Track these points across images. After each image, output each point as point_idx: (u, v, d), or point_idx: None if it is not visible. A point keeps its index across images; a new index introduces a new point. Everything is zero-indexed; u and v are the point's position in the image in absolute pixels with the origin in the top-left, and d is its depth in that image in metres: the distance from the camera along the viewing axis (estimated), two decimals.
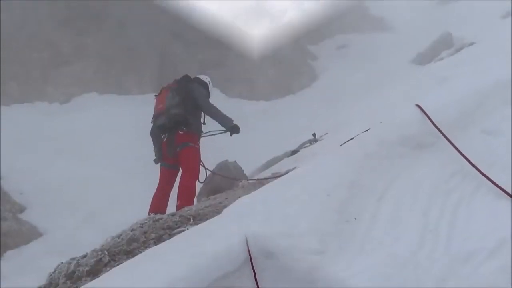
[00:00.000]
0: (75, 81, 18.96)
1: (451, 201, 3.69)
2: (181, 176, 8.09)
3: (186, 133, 8.11)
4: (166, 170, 8.31)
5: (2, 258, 10.57)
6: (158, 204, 7.96)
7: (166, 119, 8.10)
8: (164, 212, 7.56)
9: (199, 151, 8.27)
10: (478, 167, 3.94)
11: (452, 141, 4.33)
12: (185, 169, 8.10)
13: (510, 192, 3.47)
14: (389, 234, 3.47)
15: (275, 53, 23.35)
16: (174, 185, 8.29)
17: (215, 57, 22.02)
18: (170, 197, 8.22)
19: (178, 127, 8.09)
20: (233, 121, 8.31)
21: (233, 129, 8.29)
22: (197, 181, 8.15)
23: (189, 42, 21.68)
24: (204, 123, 8.57)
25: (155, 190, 8.22)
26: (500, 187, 3.56)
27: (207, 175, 8.63)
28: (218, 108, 8.36)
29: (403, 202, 3.84)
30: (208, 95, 8.76)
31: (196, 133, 8.29)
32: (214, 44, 21.93)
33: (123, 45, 20.25)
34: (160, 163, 8.36)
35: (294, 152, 10.50)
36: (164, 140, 8.24)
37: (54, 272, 5.08)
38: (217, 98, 19.67)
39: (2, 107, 16.57)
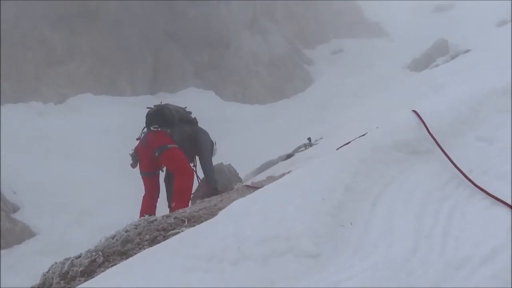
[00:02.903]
0: (69, 81, 18.95)
1: (445, 208, 3.71)
2: (174, 179, 8.01)
3: (162, 134, 8.02)
4: (146, 178, 8.24)
5: None
6: (147, 208, 7.93)
7: (160, 109, 8.07)
8: (153, 214, 7.56)
9: (180, 149, 8.07)
10: (473, 173, 3.96)
11: (448, 147, 4.36)
12: (177, 171, 8.01)
13: (503, 199, 3.49)
14: (384, 239, 3.49)
15: (270, 56, 23.42)
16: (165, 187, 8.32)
17: (210, 59, 22.06)
18: (161, 200, 8.21)
19: (158, 123, 8.00)
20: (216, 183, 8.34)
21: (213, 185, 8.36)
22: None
23: (184, 43, 21.70)
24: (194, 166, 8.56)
25: (143, 195, 8.21)
26: (495, 197, 3.57)
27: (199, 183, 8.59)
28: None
29: (397, 207, 3.85)
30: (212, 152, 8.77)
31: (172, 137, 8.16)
32: (209, 45, 21.96)
33: (117, 45, 20.25)
34: (140, 172, 8.28)
35: (289, 156, 10.51)
36: (140, 137, 8.19)
37: (48, 272, 5.07)
38: (212, 101, 19.83)
39: None
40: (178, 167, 7.97)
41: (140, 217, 7.19)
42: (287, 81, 23.16)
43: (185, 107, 8.63)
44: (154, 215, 7.31)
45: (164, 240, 4.75)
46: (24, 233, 11.50)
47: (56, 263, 5.14)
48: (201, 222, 4.89)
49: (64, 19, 19.66)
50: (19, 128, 15.48)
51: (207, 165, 8.40)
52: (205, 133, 8.56)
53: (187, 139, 8.21)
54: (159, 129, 7.93)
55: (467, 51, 14.83)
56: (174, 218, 5.56)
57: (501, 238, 3.06)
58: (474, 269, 2.89)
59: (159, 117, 8.00)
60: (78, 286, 4.19)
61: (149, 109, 8.18)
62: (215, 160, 8.91)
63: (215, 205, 6.05)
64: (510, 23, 16.64)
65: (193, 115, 8.65)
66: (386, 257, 3.24)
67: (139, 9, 20.59)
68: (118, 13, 20.41)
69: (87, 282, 4.21)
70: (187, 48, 21.67)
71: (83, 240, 7.26)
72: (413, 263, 3.12)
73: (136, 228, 5.41)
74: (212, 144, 8.57)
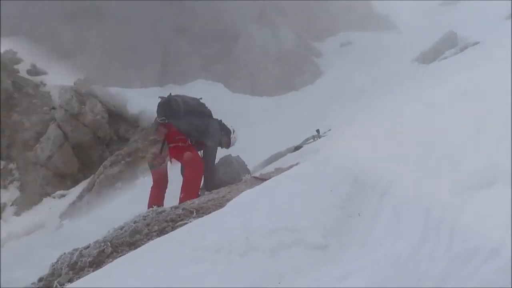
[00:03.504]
0: (78, 74, 18.95)
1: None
2: (184, 170, 8.02)
3: (169, 126, 7.94)
4: (154, 170, 8.25)
5: (2, 248, 10.59)
6: (155, 199, 7.94)
7: (168, 100, 8.03)
8: (161, 204, 7.57)
9: (187, 141, 8.02)
10: None
11: None
12: (186, 163, 8.01)
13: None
14: (391, 233, 3.48)
15: (279, 49, 23.34)
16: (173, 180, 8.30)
17: (219, 51, 22.00)
18: (170, 191, 8.21)
19: (165, 114, 7.96)
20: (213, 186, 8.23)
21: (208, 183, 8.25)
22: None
23: (192, 36, 21.65)
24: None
25: (151, 186, 8.22)
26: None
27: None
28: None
29: (405, 200, 3.84)
30: (229, 143, 8.74)
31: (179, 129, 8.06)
32: (217, 38, 21.92)
33: (125, 39, 20.21)
34: (147, 164, 8.28)
35: (297, 147, 10.48)
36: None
37: (56, 262, 5.11)
38: (220, 93, 19.78)
39: None
40: (187, 159, 7.97)
41: (148, 208, 7.22)
42: (296, 74, 23.03)
43: (200, 98, 8.58)
44: (162, 206, 7.32)
45: (172, 231, 4.77)
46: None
47: (65, 253, 5.18)
48: (209, 213, 4.90)
49: (72, 14, 19.63)
50: None
51: (208, 164, 8.33)
52: (215, 127, 8.49)
53: (194, 131, 8.16)
54: (166, 121, 7.92)
55: (475, 43, 14.75)
56: (183, 209, 5.58)
57: (508, 231, 3.06)
58: (481, 263, 2.89)
59: (167, 109, 8.00)
60: (86, 276, 4.22)
61: (161, 99, 8.18)
62: (227, 151, 8.90)
63: (223, 196, 6.07)
64: (510, 19, 16.58)
65: None
66: (393, 250, 3.24)
67: (148, 3, 20.55)
68: (126, 7, 20.37)
69: (95, 272, 4.23)
70: (196, 41, 21.62)
71: (92, 232, 7.27)
72: (420, 256, 3.11)
73: (144, 219, 5.44)
74: (219, 138, 8.55)
